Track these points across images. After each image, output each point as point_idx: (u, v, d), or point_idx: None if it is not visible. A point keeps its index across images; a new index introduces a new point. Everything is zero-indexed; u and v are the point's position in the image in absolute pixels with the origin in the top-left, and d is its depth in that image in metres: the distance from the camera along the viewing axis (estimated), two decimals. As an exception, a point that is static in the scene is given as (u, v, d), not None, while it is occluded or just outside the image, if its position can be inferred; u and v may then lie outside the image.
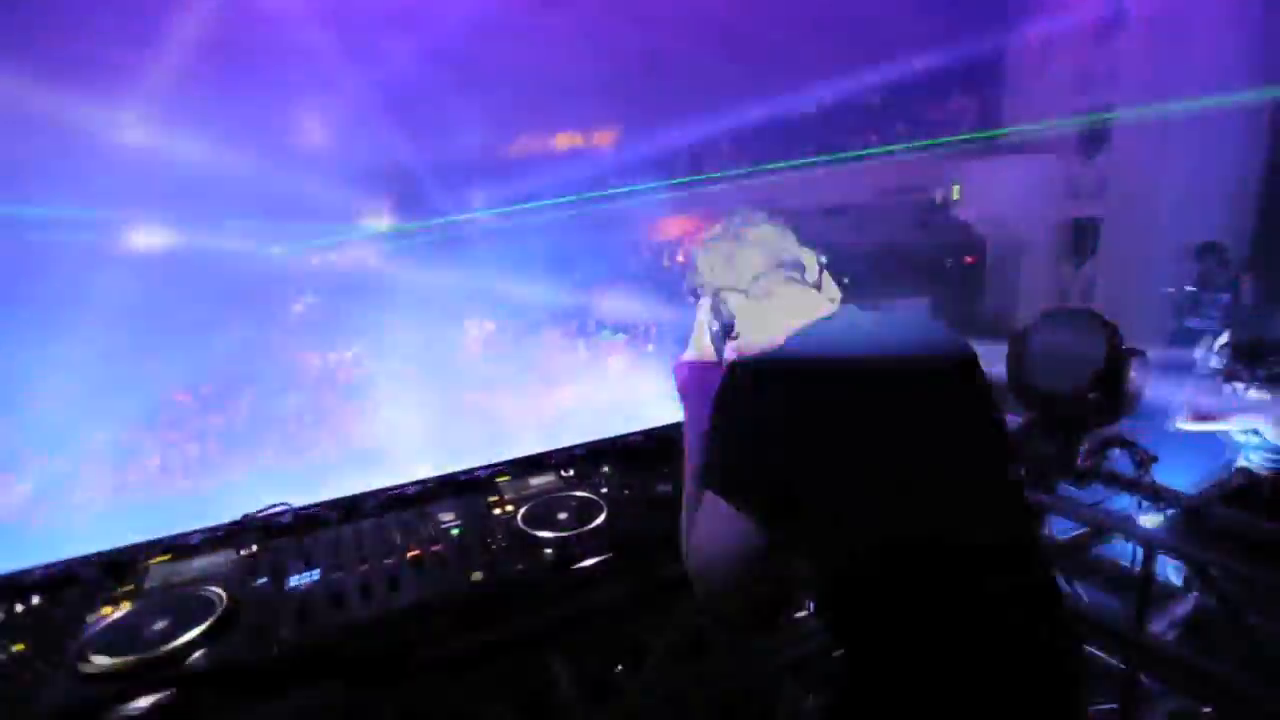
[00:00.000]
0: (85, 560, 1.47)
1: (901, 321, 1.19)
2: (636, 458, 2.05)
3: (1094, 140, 7.33)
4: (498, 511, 1.73)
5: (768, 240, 1.24)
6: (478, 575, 1.44)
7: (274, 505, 1.66)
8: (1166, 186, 6.94)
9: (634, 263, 12.57)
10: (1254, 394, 2.60)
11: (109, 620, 1.27)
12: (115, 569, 1.46)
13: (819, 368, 1.05)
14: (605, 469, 1.97)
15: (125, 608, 1.32)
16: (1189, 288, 6.44)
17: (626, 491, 1.82)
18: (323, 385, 8.99)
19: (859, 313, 1.19)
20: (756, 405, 1.03)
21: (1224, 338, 2.81)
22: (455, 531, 1.62)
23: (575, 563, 1.52)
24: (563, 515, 1.66)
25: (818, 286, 1.25)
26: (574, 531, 1.60)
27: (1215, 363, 2.75)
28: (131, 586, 1.41)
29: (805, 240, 1.32)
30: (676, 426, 2.19)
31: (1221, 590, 1.77)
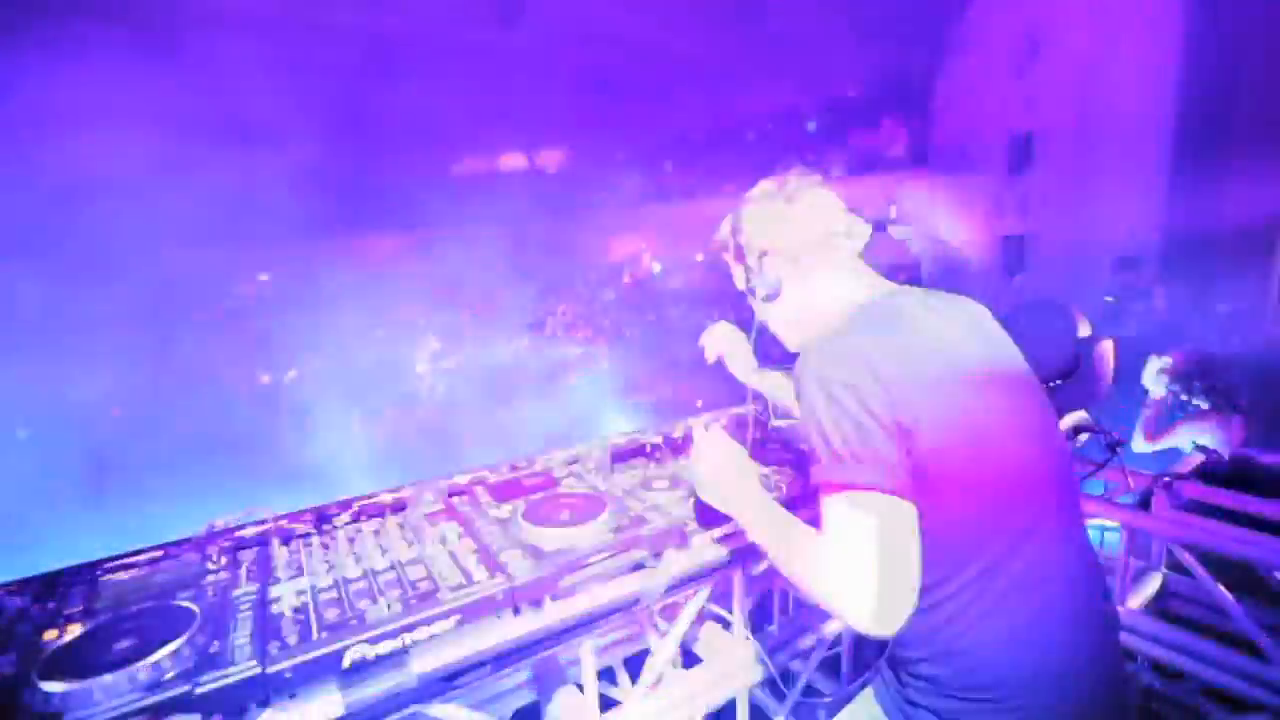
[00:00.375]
0: (46, 577, 1.32)
1: (959, 301, 1.22)
2: (628, 457, 2.01)
3: (1021, 160, 7.83)
4: (494, 513, 1.65)
5: (822, 205, 1.19)
6: (481, 574, 1.36)
7: (248, 511, 1.53)
8: (1090, 202, 7.47)
9: (590, 279, 12.55)
10: (1203, 408, 2.74)
11: (73, 637, 1.14)
12: (81, 583, 1.32)
13: (919, 343, 1.04)
14: (594, 469, 1.91)
15: (89, 624, 1.18)
16: (1108, 298, 6.91)
17: (624, 490, 1.77)
18: (268, 403, 8.53)
19: (915, 289, 1.19)
20: (874, 388, 0.95)
21: (1167, 359, 2.91)
22: (451, 533, 1.54)
23: (579, 559, 1.46)
24: (565, 514, 1.60)
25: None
26: (577, 528, 1.54)
27: (1165, 383, 2.85)
28: (96, 602, 1.27)
29: None
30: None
31: (1192, 565, 1.85)
